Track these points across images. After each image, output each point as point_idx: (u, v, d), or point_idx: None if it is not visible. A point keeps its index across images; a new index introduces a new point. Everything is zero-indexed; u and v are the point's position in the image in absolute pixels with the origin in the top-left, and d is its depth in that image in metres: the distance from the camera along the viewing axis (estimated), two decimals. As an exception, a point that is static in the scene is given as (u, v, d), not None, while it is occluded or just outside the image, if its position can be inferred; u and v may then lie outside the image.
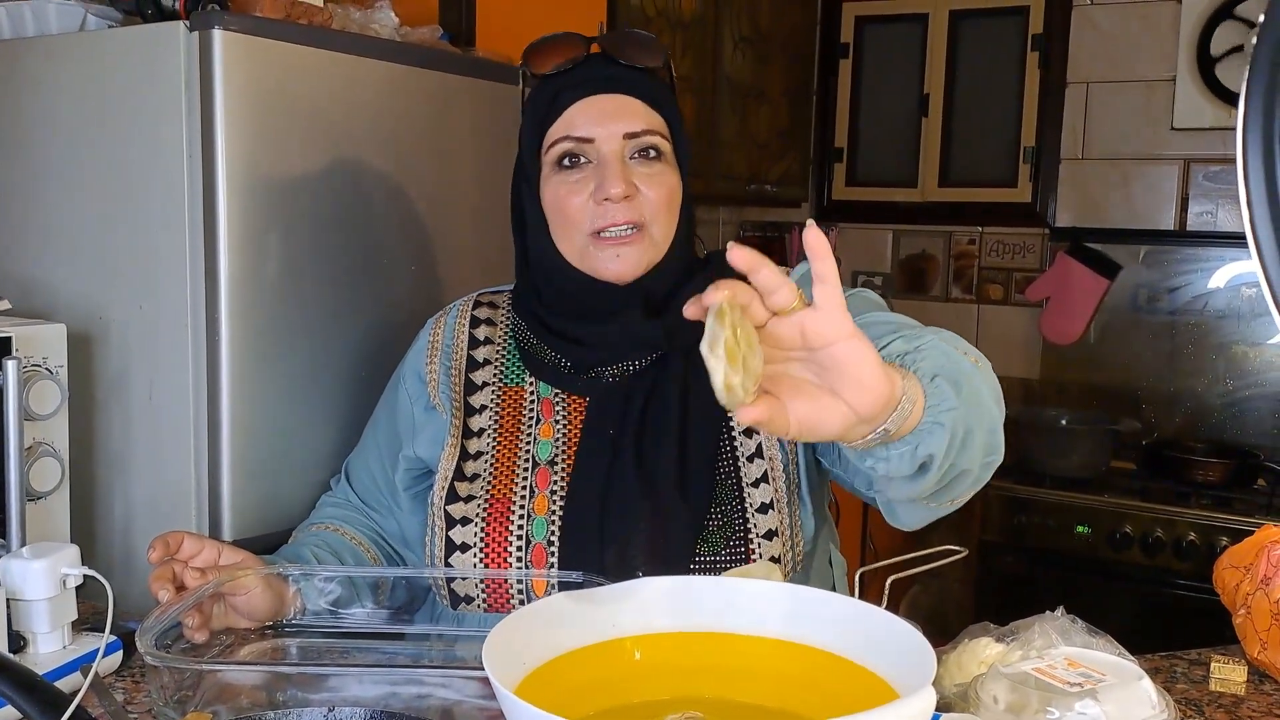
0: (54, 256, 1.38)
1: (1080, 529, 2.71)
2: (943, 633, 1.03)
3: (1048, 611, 0.99)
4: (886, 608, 0.82)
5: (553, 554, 1.09)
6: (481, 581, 1.11)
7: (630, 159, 1.11)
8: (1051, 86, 3.07)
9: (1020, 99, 3.12)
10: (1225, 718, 1.03)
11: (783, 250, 3.49)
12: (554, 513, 1.10)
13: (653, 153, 1.12)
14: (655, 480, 1.09)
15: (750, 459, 1.11)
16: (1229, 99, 2.86)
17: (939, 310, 3.31)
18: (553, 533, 1.10)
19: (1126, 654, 0.92)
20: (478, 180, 1.56)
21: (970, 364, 0.89)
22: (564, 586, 1.03)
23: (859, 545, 2.86)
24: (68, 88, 1.34)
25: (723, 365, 0.70)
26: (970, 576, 2.94)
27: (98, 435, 1.36)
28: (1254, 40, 0.41)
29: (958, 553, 1.19)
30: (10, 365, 1.08)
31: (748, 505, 1.10)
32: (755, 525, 1.09)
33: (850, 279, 3.45)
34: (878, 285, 3.43)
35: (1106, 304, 3.03)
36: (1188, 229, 2.96)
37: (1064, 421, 2.98)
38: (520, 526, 1.10)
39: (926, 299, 3.34)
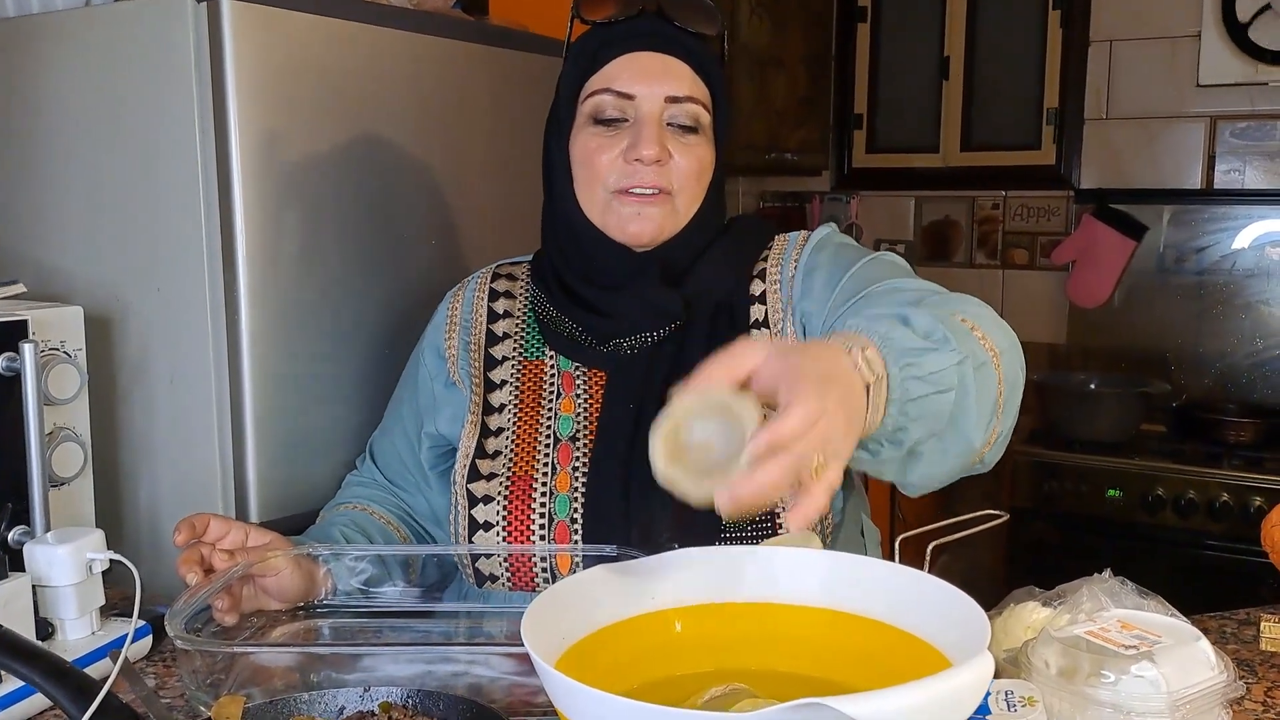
0: (68, 239, 1.36)
1: (1111, 493, 2.68)
2: (976, 601, 1.00)
3: (1095, 574, 0.96)
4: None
5: (576, 531, 1.07)
6: (506, 561, 1.09)
7: (668, 125, 1.08)
8: (1074, 46, 3.01)
9: (1042, 59, 3.06)
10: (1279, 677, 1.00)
11: (802, 220, 3.46)
12: (576, 490, 1.08)
13: (691, 122, 1.09)
14: None
15: None
16: (1256, 54, 2.80)
17: (963, 277, 3.27)
18: (575, 510, 1.08)
19: (1179, 615, 0.89)
20: (493, 149, 1.54)
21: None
22: (590, 559, 1.01)
23: (888, 514, 2.84)
24: (76, 65, 1.32)
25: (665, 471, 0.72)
26: (1001, 543, 2.91)
27: (120, 421, 1.34)
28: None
29: (998, 517, 1.16)
30: (27, 349, 1.07)
31: None
32: (782, 497, 1.06)
33: (873, 247, 3.39)
34: (900, 253, 3.38)
35: (1133, 266, 2.98)
36: (1214, 187, 2.91)
37: (1092, 385, 2.95)
38: (542, 504, 1.08)
39: (950, 266, 3.30)
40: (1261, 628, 1.09)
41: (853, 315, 0.93)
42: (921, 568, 0.87)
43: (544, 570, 1.08)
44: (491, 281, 1.24)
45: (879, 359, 0.77)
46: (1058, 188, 3.10)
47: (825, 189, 3.45)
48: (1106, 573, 0.97)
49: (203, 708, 0.84)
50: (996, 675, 0.85)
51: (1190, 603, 1.15)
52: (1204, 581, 2.48)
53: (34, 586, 0.97)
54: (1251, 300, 2.91)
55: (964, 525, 1.12)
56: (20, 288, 1.21)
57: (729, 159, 3.20)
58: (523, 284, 1.23)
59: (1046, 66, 3.06)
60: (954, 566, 3.37)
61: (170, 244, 1.28)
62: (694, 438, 0.73)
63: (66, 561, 0.97)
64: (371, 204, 1.38)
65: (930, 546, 1.09)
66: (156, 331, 1.30)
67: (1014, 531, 2.84)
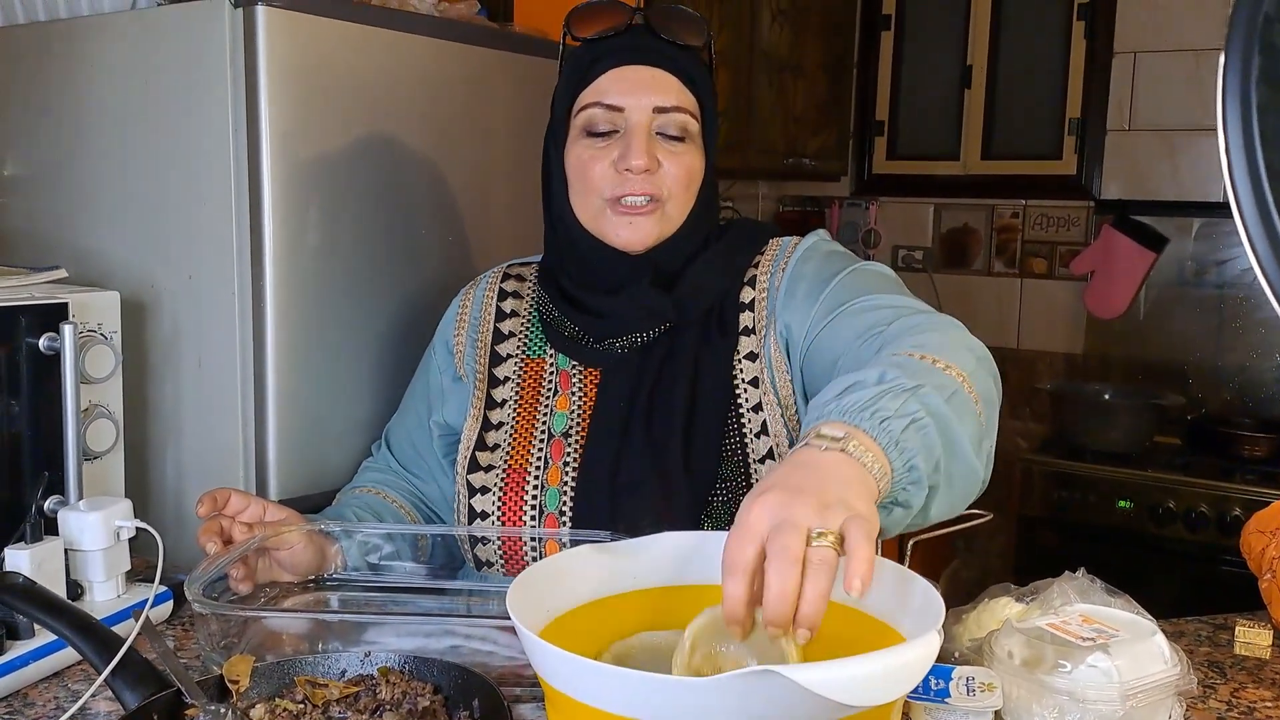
0: (107, 228, 1.43)
1: (1122, 504, 2.69)
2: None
3: (1068, 572, 1.00)
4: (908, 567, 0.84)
5: (565, 524, 1.13)
6: (500, 548, 1.14)
7: (657, 134, 1.12)
8: (1098, 57, 3.03)
9: (1065, 70, 3.08)
10: (1248, 680, 1.03)
11: (821, 224, 3.49)
12: (566, 484, 1.13)
13: (679, 131, 1.13)
14: (663, 456, 1.10)
15: (757, 435, 1.12)
16: (1282, 68, 2.80)
17: (981, 285, 3.29)
18: (565, 503, 1.13)
19: (1144, 613, 0.93)
20: (513, 154, 1.59)
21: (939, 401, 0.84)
22: (578, 544, 1.05)
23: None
24: (119, 65, 1.39)
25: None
26: (1011, 551, 2.94)
27: (150, 400, 1.41)
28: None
29: (982, 516, 1.21)
30: (67, 330, 1.14)
31: (754, 481, 1.10)
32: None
33: (891, 254, 3.43)
34: (918, 259, 3.41)
35: (1154, 278, 2.98)
36: (1238, 201, 2.90)
37: (1106, 396, 2.96)
38: (534, 496, 1.14)
39: (969, 273, 3.32)
40: (1236, 632, 1.12)
41: (814, 397, 0.92)
42: (904, 560, 0.91)
43: (534, 557, 1.13)
44: (501, 281, 1.29)
45: (839, 425, 0.78)
46: (1078, 198, 3.11)
47: (845, 194, 3.48)
48: (1080, 571, 1.01)
49: (216, 667, 0.90)
50: (962, 663, 0.90)
51: (1198, 615, 1.19)
52: (1212, 595, 2.48)
53: (66, 550, 1.03)
54: (1273, 315, 2.89)
55: (947, 524, 1.17)
56: (62, 273, 1.28)
57: (746, 163, 3.23)
58: (530, 284, 1.28)
59: (1069, 77, 3.08)
60: (963, 574, 3.39)
61: (202, 235, 1.34)
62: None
63: (97, 528, 1.04)
64: (392, 202, 1.44)
65: (911, 543, 1.14)
66: (187, 317, 1.37)
67: (1024, 540, 2.87)
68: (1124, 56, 3.01)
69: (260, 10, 1.26)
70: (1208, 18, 2.87)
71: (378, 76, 1.40)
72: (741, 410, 1.13)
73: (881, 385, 0.82)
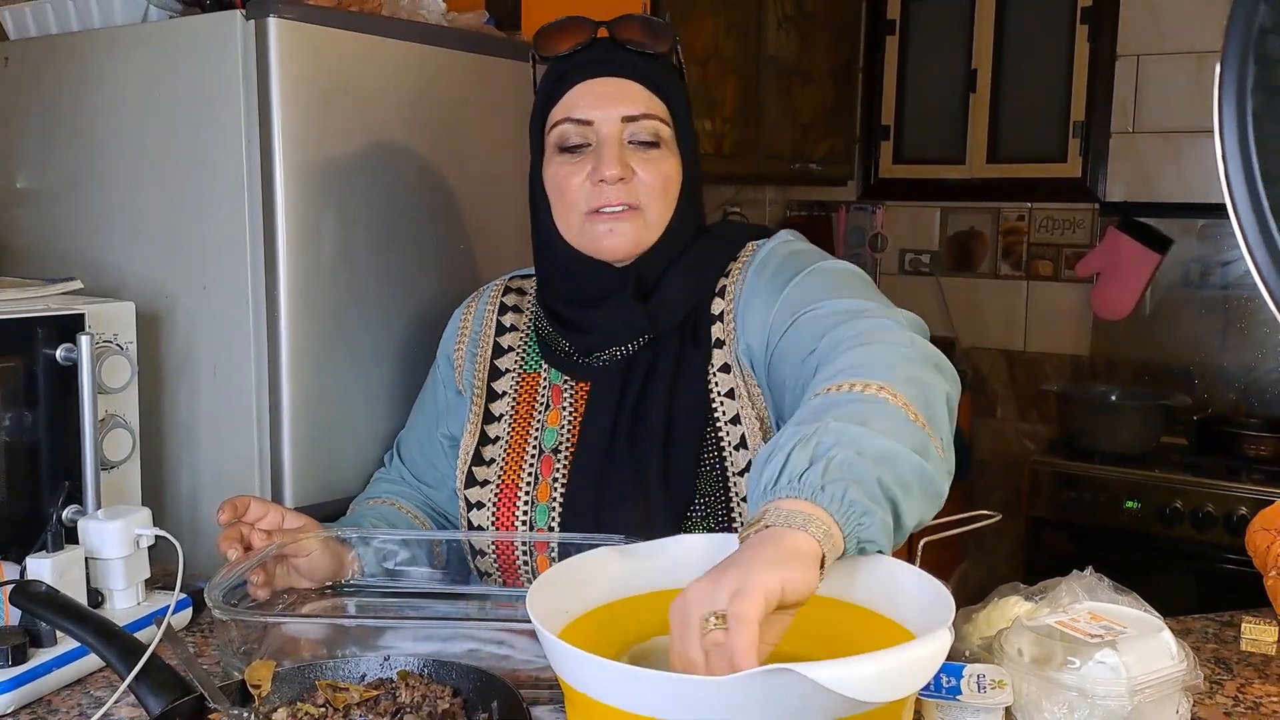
0: (122, 239, 1.44)
1: (1129, 504, 2.70)
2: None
3: (1076, 570, 1.01)
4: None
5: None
6: (496, 561, 1.17)
7: (629, 143, 1.13)
8: (1101, 60, 3.04)
9: (1070, 73, 3.09)
10: (1254, 675, 1.04)
11: (829, 228, 3.50)
12: (555, 499, 1.15)
13: (651, 137, 1.13)
14: (643, 471, 1.11)
15: (736, 448, 1.12)
16: (1285, 68, 2.81)
17: (987, 288, 3.30)
18: (553, 519, 1.14)
19: (1151, 610, 0.94)
20: (523, 162, 1.60)
21: (875, 436, 0.81)
22: (566, 550, 1.05)
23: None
24: (131, 77, 1.41)
25: None
26: (1019, 552, 2.94)
27: (166, 409, 1.42)
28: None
29: (990, 517, 1.21)
30: (84, 340, 1.15)
31: (733, 495, 1.11)
32: (740, 514, 1.11)
33: (897, 257, 3.45)
34: (924, 263, 3.42)
35: (1159, 279, 2.99)
36: (1242, 202, 2.91)
37: (1114, 397, 2.96)
38: (525, 512, 1.16)
39: (975, 276, 3.33)
40: (1242, 629, 1.13)
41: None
42: (914, 561, 0.92)
43: (527, 564, 1.15)
44: (503, 295, 1.30)
45: (763, 507, 0.78)
46: (1083, 200, 3.12)
47: (851, 199, 3.50)
48: (1088, 569, 1.02)
49: (236, 672, 0.91)
50: (973, 660, 0.91)
51: (1205, 613, 1.19)
52: (1219, 594, 2.49)
53: (86, 559, 1.05)
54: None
55: (957, 524, 1.18)
56: (78, 284, 1.30)
57: (754, 169, 3.24)
58: (530, 299, 1.28)
59: (1074, 80, 3.09)
60: (972, 574, 3.39)
61: (216, 245, 1.36)
62: None
63: (116, 536, 1.05)
64: (404, 210, 1.45)
65: (922, 543, 1.14)
66: (202, 327, 1.38)
67: (1032, 541, 2.87)
68: (1127, 59, 3.02)
69: (272, 22, 1.28)
70: (1210, 20, 2.88)
71: (389, 87, 1.41)
72: (719, 423, 1.12)
73: (790, 446, 0.80)
